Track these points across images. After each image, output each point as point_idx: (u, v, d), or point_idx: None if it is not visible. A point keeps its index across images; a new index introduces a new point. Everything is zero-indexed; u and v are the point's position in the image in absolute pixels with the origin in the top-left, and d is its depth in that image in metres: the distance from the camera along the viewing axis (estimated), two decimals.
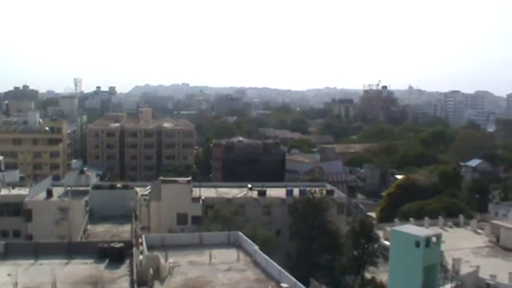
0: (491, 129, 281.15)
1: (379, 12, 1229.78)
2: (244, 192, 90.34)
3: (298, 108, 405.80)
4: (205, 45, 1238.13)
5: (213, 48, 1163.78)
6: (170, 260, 46.39)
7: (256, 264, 48.42)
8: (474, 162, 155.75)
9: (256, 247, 50.83)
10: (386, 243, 63.72)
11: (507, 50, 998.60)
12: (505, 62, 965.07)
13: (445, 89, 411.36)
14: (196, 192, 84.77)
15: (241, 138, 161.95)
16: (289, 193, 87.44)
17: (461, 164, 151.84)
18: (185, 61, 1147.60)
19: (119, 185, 72.62)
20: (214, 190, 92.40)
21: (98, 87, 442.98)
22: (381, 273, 64.77)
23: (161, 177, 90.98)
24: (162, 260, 44.90)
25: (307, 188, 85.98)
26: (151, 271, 42.39)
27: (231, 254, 51.18)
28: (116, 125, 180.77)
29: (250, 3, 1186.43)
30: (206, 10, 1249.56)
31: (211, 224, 71.81)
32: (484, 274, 58.93)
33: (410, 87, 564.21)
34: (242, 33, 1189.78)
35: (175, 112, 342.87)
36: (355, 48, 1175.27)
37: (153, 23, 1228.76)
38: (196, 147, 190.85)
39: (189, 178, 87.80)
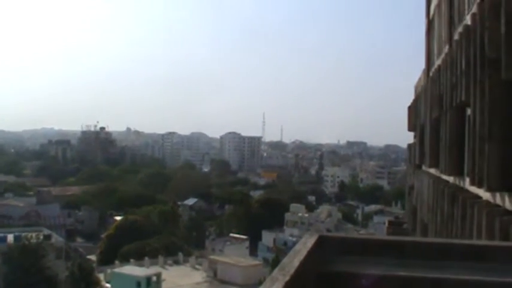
0: (206, 168, 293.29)
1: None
2: None
3: (12, 150, 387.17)
4: None
5: None
6: None
7: None
8: (191, 201, 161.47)
9: None
10: (108, 285, 63.29)
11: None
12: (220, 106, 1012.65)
13: (162, 130, 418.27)
14: None
15: None
16: (3, 240, 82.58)
17: (179, 203, 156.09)
18: None
19: None
20: None
21: None
22: None
23: None
24: None
25: (23, 234, 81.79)
26: None
27: None
28: None
29: None
30: None
31: None
32: None
33: (129, 129, 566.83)
34: None
35: None
36: (70, 89, 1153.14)
37: None
38: None
39: None
